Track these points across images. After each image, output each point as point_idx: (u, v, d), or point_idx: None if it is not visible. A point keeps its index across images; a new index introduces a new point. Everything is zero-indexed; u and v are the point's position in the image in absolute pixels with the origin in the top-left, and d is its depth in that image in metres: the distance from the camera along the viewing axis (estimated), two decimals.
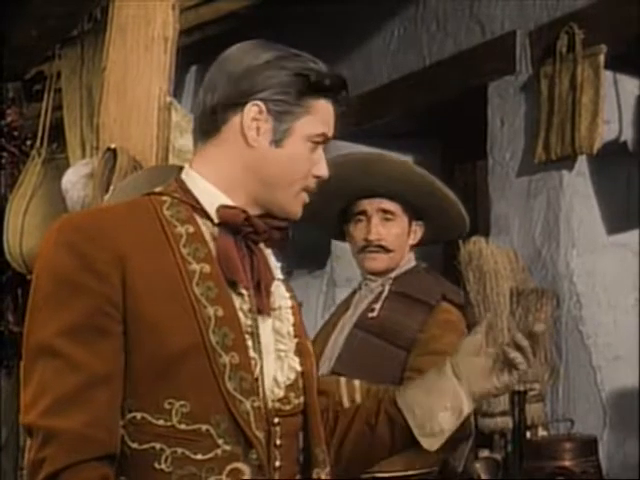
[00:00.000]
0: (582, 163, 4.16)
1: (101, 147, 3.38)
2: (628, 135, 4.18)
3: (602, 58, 3.92)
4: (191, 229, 1.79)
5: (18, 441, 5.19)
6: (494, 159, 4.49)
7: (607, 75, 4.00)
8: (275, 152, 1.82)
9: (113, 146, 3.25)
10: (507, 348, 1.99)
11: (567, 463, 3.41)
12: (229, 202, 1.82)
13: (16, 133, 4.83)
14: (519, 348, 1.98)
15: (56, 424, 1.64)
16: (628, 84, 4.20)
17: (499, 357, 2.01)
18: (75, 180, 3.50)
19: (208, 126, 1.84)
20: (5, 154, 4.76)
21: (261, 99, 1.80)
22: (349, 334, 3.05)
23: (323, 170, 1.88)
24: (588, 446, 3.51)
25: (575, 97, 3.97)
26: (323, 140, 1.87)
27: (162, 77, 3.31)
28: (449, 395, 2.01)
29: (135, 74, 3.32)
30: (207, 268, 1.76)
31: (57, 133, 4.56)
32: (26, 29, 4.48)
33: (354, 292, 3.23)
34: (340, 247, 5.47)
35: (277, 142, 1.81)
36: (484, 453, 3.53)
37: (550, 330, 4.07)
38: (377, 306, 3.03)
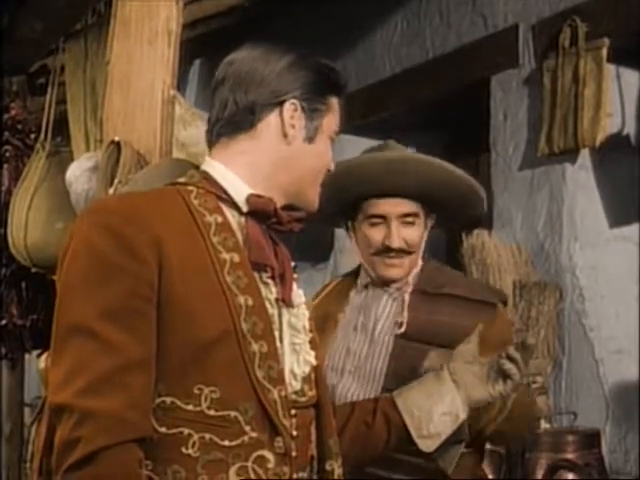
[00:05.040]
0: (585, 156, 4.17)
1: (105, 140, 3.38)
2: (631, 128, 4.19)
3: (605, 51, 3.93)
4: (219, 219, 1.83)
5: (22, 434, 5.20)
6: (497, 152, 4.50)
7: (610, 68, 4.00)
8: (308, 148, 1.92)
9: (117, 139, 3.26)
10: (501, 360, 2.16)
11: (570, 455, 3.42)
12: (255, 192, 1.89)
13: (20, 127, 4.83)
14: (512, 360, 2.16)
15: (93, 404, 1.64)
16: (631, 77, 4.21)
17: (493, 366, 2.18)
18: (79, 173, 3.50)
19: (240, 122, 1.90)
20: (9, 148, 4.76)
21: (295, 98, 1.90)
22: (395, 347, 2.66)
23: (332, 164, 2.00)
24: (591, 439, 3.52)
25: (578, 90, 3.98)
26: (336, 136, 1.99)
27: (166, 71, 3.31)
28: (447, 400, 2.16)
29: (139, 68, 3.32)
30: (236, 257, 1.80)
31: (61, 127, 4.56)
32: (30, 23, 4.49)
33: (346, 287, 2.88)
34: (343, 240, 5.47)
35: (310, 139, 1.92)
36: (487, 446, 3.53)
37: (553, 323, 4.08)
38: (405, 314, 2.70)
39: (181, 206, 1.82)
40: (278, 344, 1.82)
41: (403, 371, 2.60)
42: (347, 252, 5.47)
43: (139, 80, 3.33)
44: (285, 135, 1.89)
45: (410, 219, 2.71)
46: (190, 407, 1.72)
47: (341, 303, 2.83)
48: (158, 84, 3.30)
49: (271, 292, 1.84)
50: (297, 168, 1.91)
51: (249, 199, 1.86)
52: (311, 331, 1.94)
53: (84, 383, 1.65)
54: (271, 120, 1.89)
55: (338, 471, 1.93)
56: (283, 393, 1.79)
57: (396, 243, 2.69)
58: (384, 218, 2.71)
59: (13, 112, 4.84)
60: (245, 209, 1.86)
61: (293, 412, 1.83)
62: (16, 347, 4.90)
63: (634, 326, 4.06)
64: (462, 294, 2.71)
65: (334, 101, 1.96)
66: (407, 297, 2.72)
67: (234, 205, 1.87)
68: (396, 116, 5.24)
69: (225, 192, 1.87)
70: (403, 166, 2.67)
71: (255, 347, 1.76)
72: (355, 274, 2.87)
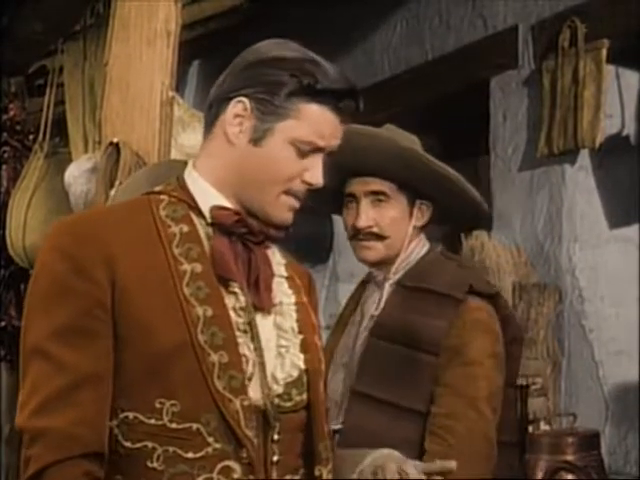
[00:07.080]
0: (584, 157, 4.16)
1: (103, 141, 3.37)
2: (630, 129, 4.19)
3: (604, 52, 3.92)
4: (185, 228, 1.80)
5: (21, 435, 5.19)
6: (496, 153, 4.49)
7: (609, 69, 4.00)
8: (253, 151, 1.80)
9: (115, 140, 3.25)
10: None
11: (569, 457, 3.41)
12: (224, 201, 1.83)
13: (19, 127, 4.84)
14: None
15: (42, 424, 1.69)
16: (630, 78, 4.20)
17: None
18: (78, 174, 3.50)
19: (206, 120, 1.87)
20: (8, 148, 4.77)
21: (246, 95, 1.79)
22: (367, 344, 2.56)
23: (315, 178, 1.84)
24: (590, 440, 3.50)
25: (577, 91, 3.97)
26: (313, 149, 1.83)
27: (165, 71, 3.30)
28: None
29: (138, 68, 3.32)
30: (199, 268, 1.77)
31: (59, 127, 4.56)
32: (29, 23, 4.49)
33: (363, 285, 2.78)
34: (342, 241, 5.46)
35: (256, 141, 1.80)
36: None
37: (552, 325, 4.08)
38: (380, 305, 2.59)
39: (147, 218, 1.80)
40: (247, 352, 1.77)
41: (372, 372, 2.51)
42: (346, 253, 5.47)
43: (138, 81, 3.32)
44: (225, 133, 1.81)
45: (381, 197, 2.56)
46: (152, 421, 1.72)
47: (356, 300, 2.74)
48: (157, 85, 3.29)
49: (239, 300, 1.80)
50: (243, 171, 1.81)
51: (211, 211, 1.81)
52: (301, 332, 1.88)
53: (36, 404, 1.70)
54: (222, 118, 1.82)
55: (327, 477, 1.88)
56: (247, 403, 1.75)
57: (362, 222, 2.54)
58: (355, 197, 2.58)
59: (12, 113, 4.84)
60: (209, 220, 1.82)
61: (275, 416, 1.79)
62: (15, 349, 4.90)
63: (634, 327, 4.05)
64: (435, 288, 2.54)
65: (309, 108, 1.80)
66: (386, 289, 2.60)
67: (203, 215, 1.83)
68: (395, 117, 5.22)
69: (194, 201, 1.83)
70: (367, 141, 2.55)
71: (214, 358, 1.73)
72: None
